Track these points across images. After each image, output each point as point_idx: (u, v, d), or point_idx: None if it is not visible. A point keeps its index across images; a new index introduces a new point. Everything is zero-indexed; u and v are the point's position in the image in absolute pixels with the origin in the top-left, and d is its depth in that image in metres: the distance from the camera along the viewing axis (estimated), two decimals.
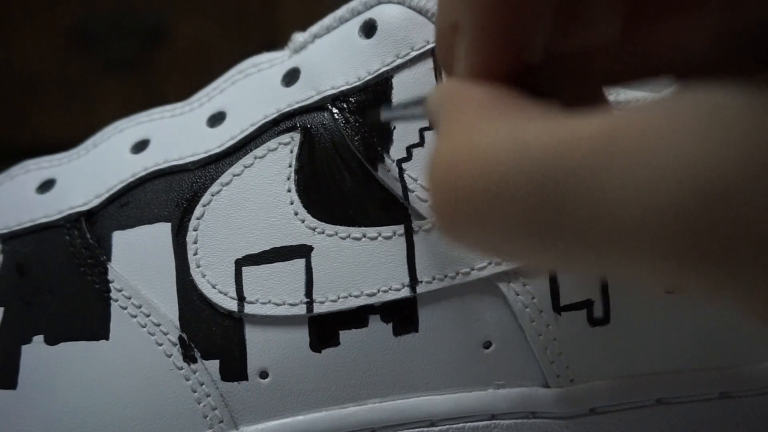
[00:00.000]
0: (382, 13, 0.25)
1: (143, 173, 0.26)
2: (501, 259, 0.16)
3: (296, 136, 0.25)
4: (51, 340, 0.24)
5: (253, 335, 0.24)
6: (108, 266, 0.25)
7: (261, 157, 0.25)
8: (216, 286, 0.24)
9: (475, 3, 0.15)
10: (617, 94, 0.25)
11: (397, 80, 0.24)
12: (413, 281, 0.24)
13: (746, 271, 0.11)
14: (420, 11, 0.25)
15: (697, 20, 0.16)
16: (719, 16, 0.16)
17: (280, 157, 0.25)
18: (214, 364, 0.24)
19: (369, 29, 0.26)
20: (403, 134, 0.24)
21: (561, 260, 0.14)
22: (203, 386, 0.24)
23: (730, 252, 0.11)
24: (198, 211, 0.25)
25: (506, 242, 0.14)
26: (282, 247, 0.24)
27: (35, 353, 0.24)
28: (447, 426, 0.24)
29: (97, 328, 0.24)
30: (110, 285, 0.25)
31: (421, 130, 0.24)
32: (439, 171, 0.15)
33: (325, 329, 0.24)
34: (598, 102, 0.18)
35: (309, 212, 0.24)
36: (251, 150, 0.25)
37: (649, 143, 0.12)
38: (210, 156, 0.26)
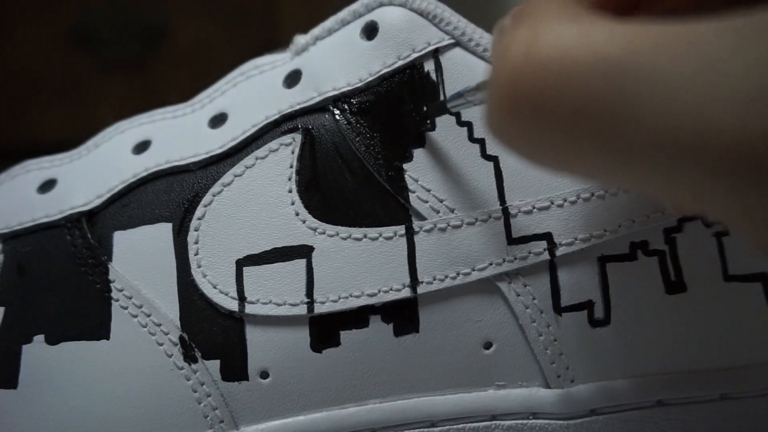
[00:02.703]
0: (383, 15, 0.25)
1: (144, 173, 0.26)
2: (546, 166, 0.16)
3: (297, 137, 0.25)
4: (51, 340, 0.24)
5: (253, 335, 0.24)
6: (109, 266, 0.25)
7: (262, 158, 0.25)
8: (217, 286, 0.24)
9: None
10: None
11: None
12: (414, 281, 0.24)
13: None
14: (421, 13, 0.25)
15: None
16: None
17: (282, 157, 0.25)
18: (214, 364, 0.24)
19: (370, 31, 0.26)
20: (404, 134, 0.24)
21: (610, 165, 0.15)
22: (204, 386, 0.24)
23: None
24: (199, 211, 0.25)
25: (564, 142, 0.15)
26: (283, 247, 0.24)
27: (36, 353, 0.24)
28: (447, 426, 0.24)
29: (98, 328, 0.24)
30: (111, 285, 0.25)
31: (422, 131, 0.24)
32: (510, 67, 0.15)
33: (325, 329, 0.24)
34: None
35: (310, 213, 0.24)
36: (253, 151, 0.25)
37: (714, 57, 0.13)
38: (211, 156, 0.26)
